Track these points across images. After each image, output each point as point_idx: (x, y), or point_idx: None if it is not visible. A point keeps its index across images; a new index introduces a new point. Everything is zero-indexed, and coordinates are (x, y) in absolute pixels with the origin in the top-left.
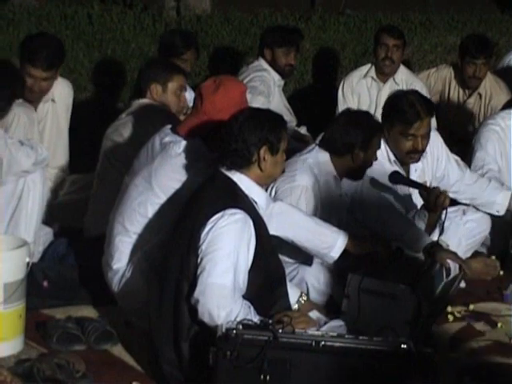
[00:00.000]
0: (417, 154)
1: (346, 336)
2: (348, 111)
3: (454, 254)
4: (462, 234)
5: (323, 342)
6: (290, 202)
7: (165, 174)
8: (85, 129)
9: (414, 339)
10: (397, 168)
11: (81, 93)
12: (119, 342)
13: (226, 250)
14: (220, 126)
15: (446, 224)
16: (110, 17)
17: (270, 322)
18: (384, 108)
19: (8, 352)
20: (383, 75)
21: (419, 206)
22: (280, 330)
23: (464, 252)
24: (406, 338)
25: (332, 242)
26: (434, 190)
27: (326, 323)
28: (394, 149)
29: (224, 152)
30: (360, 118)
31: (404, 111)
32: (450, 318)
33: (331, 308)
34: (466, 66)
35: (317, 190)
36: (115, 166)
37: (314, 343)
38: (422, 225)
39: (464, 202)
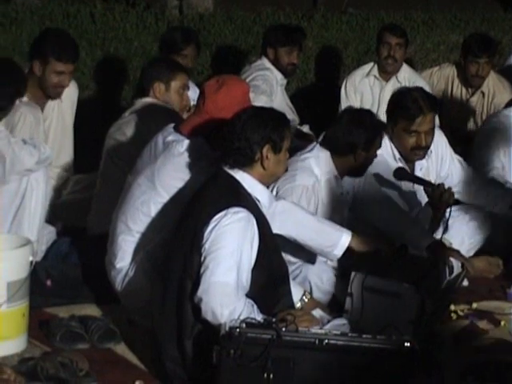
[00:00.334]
0: (421, 150)
1: (350, 334)
2: (351, 110)
3: (457, 251)
4: (465, 232)
5: (326, 341)
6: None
7: (168, 173)
8: (87, 127)
9: (417, 338)
10: (402, 165)
11: (83, 91)
12: (122, 340)
13: (229, 249)
14: (222, 125)
15: (449, 222)
16: (112, 15)
17: (274, 320)
18: (388, 105)
19: (11, 351)
20: (386, 74)
21: (423, 204)
22: (283, 329)
23: (467, 250)
24: (409, 336)
25: (335, 240)
26: (439, 187)
27: (329, 322)
28: (398, 146)
29: (227, 151)
30: (363, 117)
31: (407, 107)
32: (454, 316)
33: (334, 306)
34: (468, 65)
35: (318, 190)
36: (118, 164)
37: (317, 341)
38: (425, 222)
39: (467, 202)
